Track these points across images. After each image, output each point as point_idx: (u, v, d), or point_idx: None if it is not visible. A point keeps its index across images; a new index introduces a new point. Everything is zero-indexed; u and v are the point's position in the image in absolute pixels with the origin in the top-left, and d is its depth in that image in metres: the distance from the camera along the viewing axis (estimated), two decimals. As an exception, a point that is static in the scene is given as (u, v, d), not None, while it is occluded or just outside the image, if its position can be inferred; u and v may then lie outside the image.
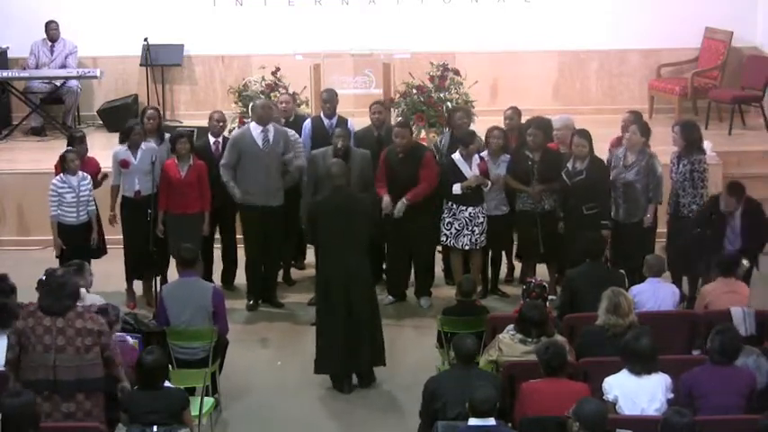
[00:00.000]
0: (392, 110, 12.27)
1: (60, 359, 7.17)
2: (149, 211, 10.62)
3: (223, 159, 10.72)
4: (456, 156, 10.70)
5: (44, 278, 8.47)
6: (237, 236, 11.36)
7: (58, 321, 7.19)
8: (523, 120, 11.33)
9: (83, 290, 8.85)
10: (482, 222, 10.74)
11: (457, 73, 12.95)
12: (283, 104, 11.57)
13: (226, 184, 10.70)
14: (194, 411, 7.92)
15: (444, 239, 10.86)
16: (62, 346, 7.17)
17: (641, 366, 7.28)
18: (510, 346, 7.99)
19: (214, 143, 11.13)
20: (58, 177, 10.54)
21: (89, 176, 10.66)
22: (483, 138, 11.00)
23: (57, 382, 7.17)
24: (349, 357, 9.32)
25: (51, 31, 14.26)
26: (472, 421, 6.76)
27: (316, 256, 10.90)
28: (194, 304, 8.82)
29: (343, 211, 9.35)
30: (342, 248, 9.32)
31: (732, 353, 7.36)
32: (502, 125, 11.25)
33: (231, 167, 10.68)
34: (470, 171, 10.64)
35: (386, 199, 10.65)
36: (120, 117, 13.39)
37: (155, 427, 7.13)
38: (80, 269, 8.72)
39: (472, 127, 11.32)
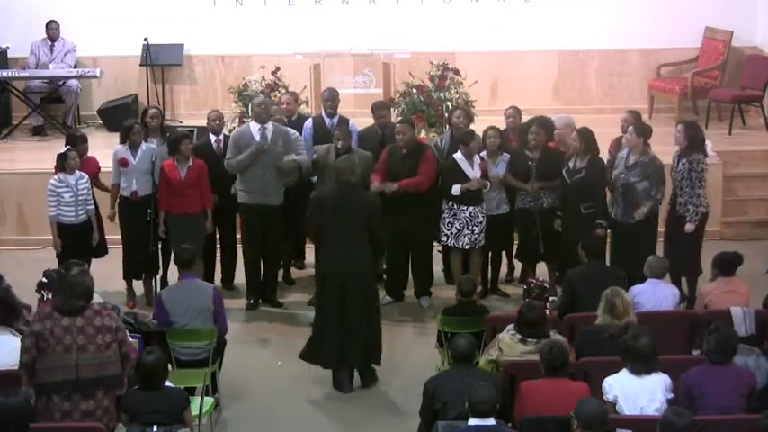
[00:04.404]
0: (392, 110, 12.26)
1: (82, 358, 7.15)
2: (149, 210, 10.62)
3: (227, 157, 10.72)
4: (458, 155, 10.70)
5: (44, 280, 8.53)
6: (237, 235, 11.37)
7: (77, 320, 7.18)
8: (524, 119, 11.34)
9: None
10: (481, 222, 10.74)
11: (457, 73, 12.97)
12: (285, 105, 11.58)
13: (232, 166, 10.64)
14: (194, 411, 7.91)
15: (445, 239, 10.85)
16: (83, 345, 7.16)
17: (641, 366, 7.27)
18: (510, 345, 7.98)
19: (215, 141, 11.16)
20: (55, 177, 10.53)
21: (87, 176, 10.66)
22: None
23: (79, 380, 7.15)
24: (339, 353, 9.29)
25: (51, 30, 14.29)
26: (472, 421, 6.75)
27: (315, 253, 10.92)
28: (196, 306, 8.81)
29: (347, 209, 9.25)
30: (342, 245, 9.24)
31: (729, 350, 7.33)
32: (502, 125, 11.26)
33: None
34: (472, 171, 10.63)
35: (375, 185, 10.62)
36: (120, 117, 13.38)
37: (155, 427, 7.13)
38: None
39: (472, 127, 11.33)
